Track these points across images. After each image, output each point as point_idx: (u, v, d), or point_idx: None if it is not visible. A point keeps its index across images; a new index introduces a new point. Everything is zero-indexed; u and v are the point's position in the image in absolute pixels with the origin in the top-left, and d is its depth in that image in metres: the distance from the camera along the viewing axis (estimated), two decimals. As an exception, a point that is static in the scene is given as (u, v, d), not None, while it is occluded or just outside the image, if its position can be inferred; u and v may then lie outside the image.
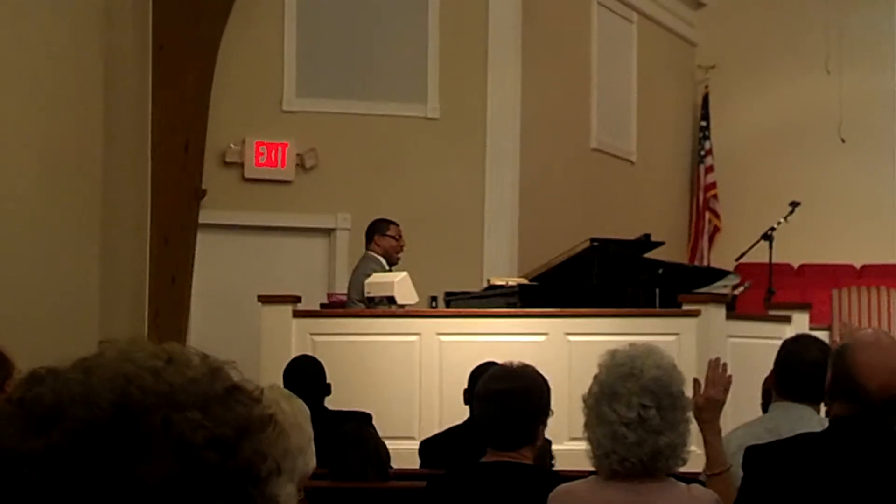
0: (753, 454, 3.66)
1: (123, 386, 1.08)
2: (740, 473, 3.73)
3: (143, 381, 1.08)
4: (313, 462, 3.01)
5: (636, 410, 3.56)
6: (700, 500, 3.66)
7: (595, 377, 3.68)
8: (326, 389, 6.88)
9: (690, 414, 3.72)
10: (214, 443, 1.07)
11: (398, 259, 9.86)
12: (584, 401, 3.69)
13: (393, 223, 9.95)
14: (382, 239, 9.86)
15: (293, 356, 8.65)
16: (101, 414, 1.06)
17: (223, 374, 1.13)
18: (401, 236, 9.93)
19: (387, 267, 9.70)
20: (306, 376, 6.83)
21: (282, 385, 6.64)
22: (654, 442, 3.56)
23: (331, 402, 7.07)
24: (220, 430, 1.08)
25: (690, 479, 3.86)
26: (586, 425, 3.66)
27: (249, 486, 1.09)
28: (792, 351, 4.82)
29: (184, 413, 1.07)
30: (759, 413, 5.15)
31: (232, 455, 1.08)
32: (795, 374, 4.73)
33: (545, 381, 4.32)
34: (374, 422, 6.37)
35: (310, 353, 8.26)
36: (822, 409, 4.21)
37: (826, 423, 3.78)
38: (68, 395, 1.07)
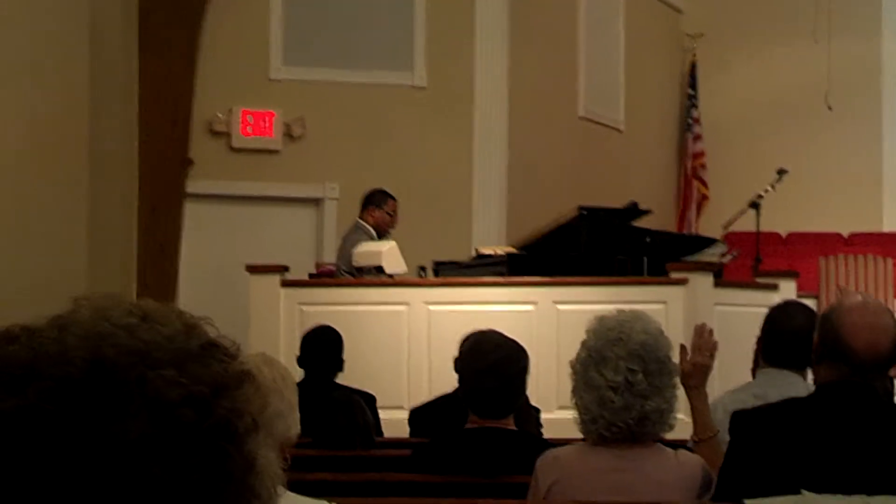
0: (740, 419, 3.66)
1: (98, 344, 1.07)
2: (727, 438, 3.73)
3: (117, 338, 1.08)
4: (296, 429, 2.99)
5: (623, 375, 3.57)
6: (686, 465, 3.67)
7: (583, 343, 3.68)
8: (339, 365, 6.81)
9: (677, 380, 3.73)
10: (190, 400, 1.06)
11: (388, 234, 9.81)
12: (572, 366, 3.69)
13: (391, 198, 9.83)
14: (377, 211, 9.78)
15: (282, 326, 8.66)
16: (75, 372, 1.05)
17: (199, 331, 1.13)
18: (396, 212, 9.84)
19: (376, 238, 9.67)
20: (322, 348, 6.77)
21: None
22: (640, 406, 3.56)
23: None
24: (196, 387, 1.07)
25: (678, 445, 3.87)
26: (574, 391, 3.67)
27: (226, 443, 1.08)
28: (778, 318, 4.82)
29: (159, 371, 1.06)
30: (747, 379, 5.15)
31: (208, 413, 1.07)
32: (782, 340, 4.73)
33: (522, 348, 4.34)
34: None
35: (297, 322, 8.25)
36: (809, 375, 4.21)
37: (812, 390, 3.78)
38: (42, 353, 1.06)
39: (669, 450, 3.71)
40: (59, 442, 1.03)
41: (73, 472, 1.02)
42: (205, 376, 1.08)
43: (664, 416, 3.63)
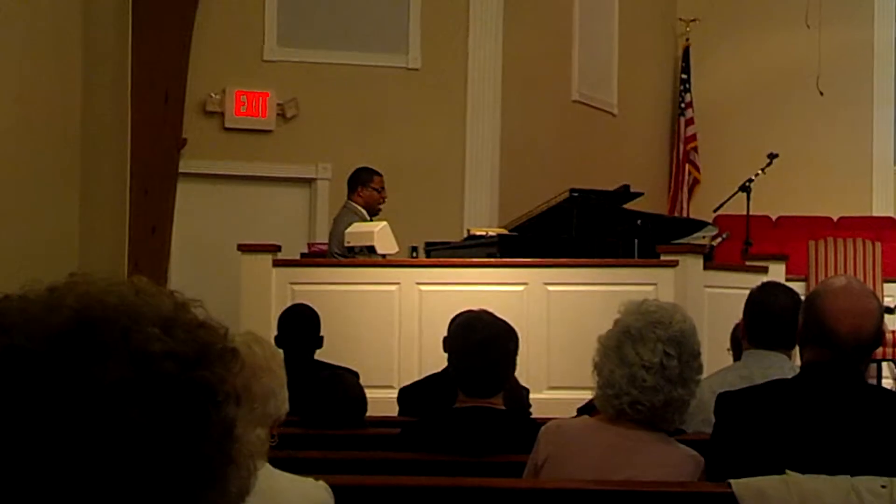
0: (725, 400, 3.69)
1: (87, 301, 1.12)
2: (713, 419, 3.75)
3: (107, 299, 1.12)
4: (286, 407, 3.02)
5: (660, 357, 3.58)
6: (688, 458, 3.66)
7: (617, 321, 3.68)
8: (318, 342, 6.80)
9: (701, 377, 3.73)
10: (172, 355, 1.10)
11: (379, 210, 9.82)
12: (601, 341, 3.68)
13: (377, 174, 9.86)
14: (364, 190, 9.79)
15: (273, 305, 8.67)
16: (62, 320, 1.10)
17: (189, 309, 1.17)
18: (383, 188, 9.86)
19: (367, 218, 9.67)
20: (300, 325, 6.75)
21: (275, 330, 6.68)
22: (669, 391, 3.57)
23: (312, 352, 7.05)
24: (180, 347, 1.11)
25: (683, 442, 3.87)
26: (600, 364, 3.65)
27: (205, 400, 1.11)
28: (761, 299, 4.82)
29: (144, 328, 1.11)
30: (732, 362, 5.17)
31: (189, 369, 1.11)
32: (765, 321, 4.74)
33: (512, 328, 4.36)
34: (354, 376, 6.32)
35: (289, 302, 8.26)
36: (796, 355, 4.23)
37: (798, 371, 3.80)
38: (33, 305, 1.12)
39: (674, 440, 3.72)
40: (42, 381, 1.07)
41: (54, 410, 1.07)
42: (190, 342, 1.12)
43: (683, 408, 3.65)
